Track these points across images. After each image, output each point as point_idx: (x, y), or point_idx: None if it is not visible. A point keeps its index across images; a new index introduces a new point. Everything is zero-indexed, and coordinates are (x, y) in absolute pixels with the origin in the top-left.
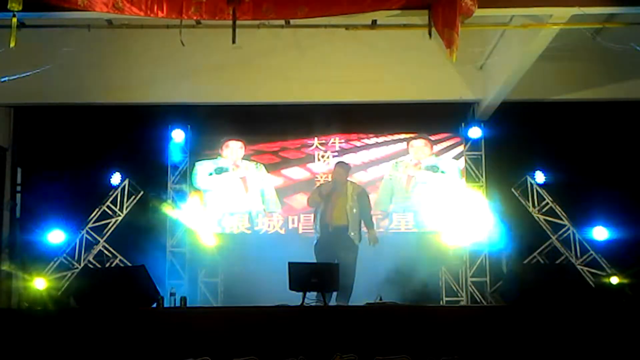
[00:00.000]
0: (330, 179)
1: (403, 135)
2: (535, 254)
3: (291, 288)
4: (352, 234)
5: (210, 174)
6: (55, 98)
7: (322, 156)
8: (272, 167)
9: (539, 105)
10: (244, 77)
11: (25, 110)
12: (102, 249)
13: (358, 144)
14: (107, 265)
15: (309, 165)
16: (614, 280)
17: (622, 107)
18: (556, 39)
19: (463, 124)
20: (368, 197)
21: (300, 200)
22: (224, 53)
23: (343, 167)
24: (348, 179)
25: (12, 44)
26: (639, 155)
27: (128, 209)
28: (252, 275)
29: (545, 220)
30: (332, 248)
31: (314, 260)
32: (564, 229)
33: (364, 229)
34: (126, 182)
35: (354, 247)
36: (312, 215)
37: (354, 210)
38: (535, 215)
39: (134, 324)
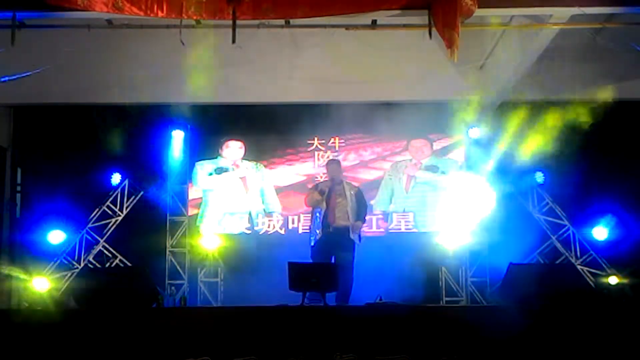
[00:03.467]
0: (327, 178)
1: (403, 135)
2: (535, 254)
3: (291, 288)
4: (353, 235)
5: (210, 174)
6: (55, 98)
7: (322, 156)
8: (272, 167)
9: (539, 105)
10: (244, 77)
11: (25, 110)
12: (102, 249)
13: (358, 144)
14: (107, 265)
15: (309, 165)
16: (614, 280)
17: (622, 107)
18: (556, 39)
19: (463, 124)
20: (363, 196)
21: (299, 200)
22: (224, 53)
23: (336, 164)
24: (343, 179)
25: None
26: (639, 155)
27: (128, 209)
28: (252, 275)
29: (545, 220)
30: (331, 248)
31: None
32: (564, 229)
33: (364, 228)
34: (126, 182)
35: (352, 248)
36: (310, 215)
37: (354, 212)
38: (535, 215)
39: (134, 324)
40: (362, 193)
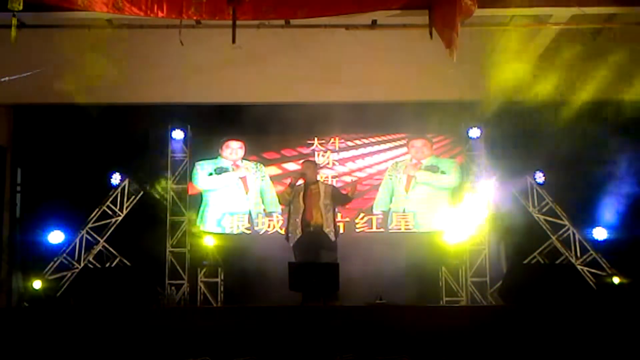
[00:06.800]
0: (299, 177)
1: (403, 135)
2: (535, 254)
3: (291, 288)
4: (328, 229)
5: (210, 174)
6: (55, 98)
7: (322, 156)
8: (272, 167)
9: (539, 105)
10: (244, 77)
11: (25, 110)
12: (102, 249)
13: (358, 144)
14: (107, 265)
15: None
16: (614, 280)
17: (622, 107)
18: (556, 39)
19: (463, 124)
20: (339, 190)
21: None
22: (224, 53)
23: (314, 164)
24: (317, 179)
25: (13, 35)
26: (639, 155)
27: (128, 209)
28: (252, 275)
29: (545, 220)
30: (313, 248)
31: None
32: (564, 229)
33: (364, 228)
34: (126, 182)
35: (332, 245)
36: (287, 216)
37: (328, 207)
38: (535, 215)
39: (134, 323)
40: (337, 188)
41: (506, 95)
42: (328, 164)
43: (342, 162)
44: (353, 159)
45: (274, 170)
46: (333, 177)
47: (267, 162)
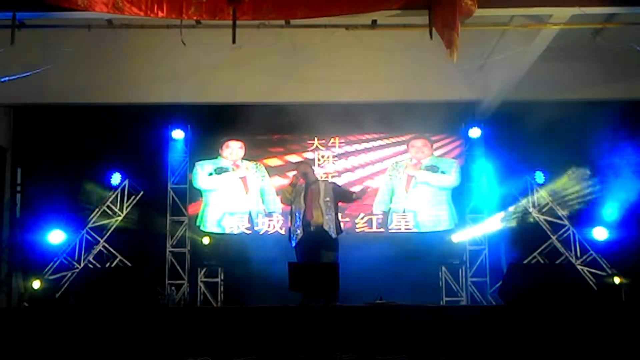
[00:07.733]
0: (300, 178)
1: (403, 135)
2: (535, 254)
3: (291, 288)
4: (328, 226)
5: (210, 174)
6: (55, 98)
7: (322, 156)
8: (272, 167)
9: (539, 105)
10: (244, 77)
11: (25, 110)
12: (102, 249)
13: (358, 143)
14: (107, 265)
15: None
16: (614, 280)
17: (622, 107)
18: (556, 39)
19: (463, 124)
20: (340, 186)
21: None
22: (224, 53)
23: (308, 164)
24: (317, 177)
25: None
26: (639, 155)
27: (128, 209)
28: (252, 275)
29: (545, 220)
30: (315, 248)
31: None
32: (564, 229)
33: (364, 228)
34: (126, 182)
35: (334, 245)
36: (289, 216)
37: (329, 204)
38: (535, 215)
39: (134, 323)
40: (340, 186)
41: (506, 95)
42: (328, 163)
43: (341, 162)
44: (352, 157)
45: (273, 169)
46: (333, 176)
47: (266, 162)
